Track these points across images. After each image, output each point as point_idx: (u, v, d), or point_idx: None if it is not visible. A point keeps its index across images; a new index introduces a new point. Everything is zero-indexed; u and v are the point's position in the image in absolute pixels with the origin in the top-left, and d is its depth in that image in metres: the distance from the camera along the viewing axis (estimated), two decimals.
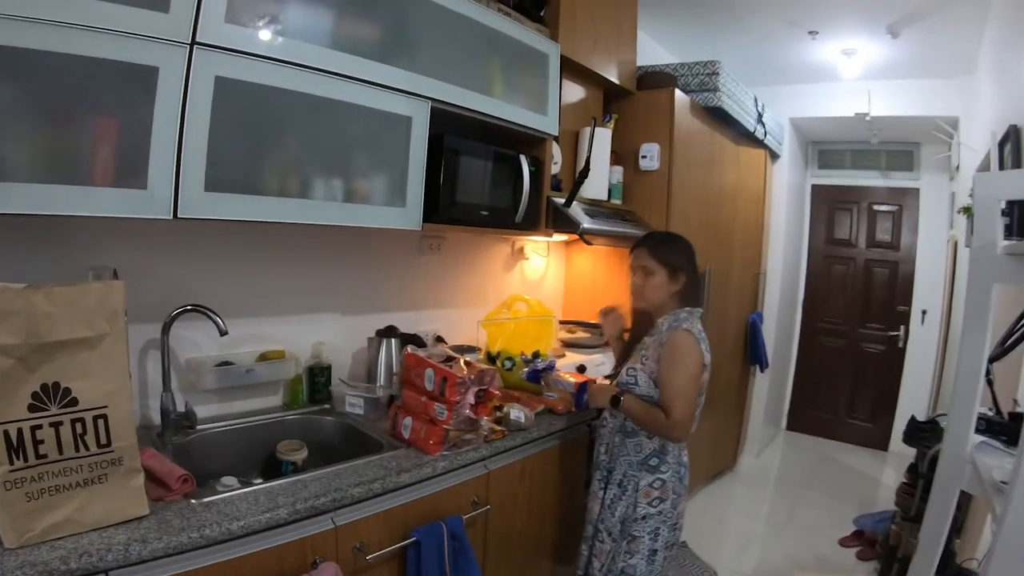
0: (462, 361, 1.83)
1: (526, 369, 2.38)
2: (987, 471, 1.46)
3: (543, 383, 2.34)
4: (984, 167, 2.91)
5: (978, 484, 1.54)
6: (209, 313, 1.72)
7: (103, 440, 1.23)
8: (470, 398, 1.75)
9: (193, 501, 1.36)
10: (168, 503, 1.34)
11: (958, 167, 4.08)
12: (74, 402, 1.20)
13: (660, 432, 1.86)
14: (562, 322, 3.25)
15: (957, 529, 2.43)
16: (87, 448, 1.22)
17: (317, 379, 2.18)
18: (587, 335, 3.13)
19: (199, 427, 1.83)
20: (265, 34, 1.56)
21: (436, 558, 1.63)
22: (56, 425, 1.18)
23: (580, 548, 2.07)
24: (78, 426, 1.20)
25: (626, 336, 2.30)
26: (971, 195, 2.86)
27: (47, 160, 1.30)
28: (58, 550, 1.13)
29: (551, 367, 2.39)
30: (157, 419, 1.80)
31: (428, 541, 1.62)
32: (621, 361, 2.08)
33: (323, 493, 1.45)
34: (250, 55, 1.52)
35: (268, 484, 1.48)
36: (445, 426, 1.74)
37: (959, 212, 3.34)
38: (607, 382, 2.13)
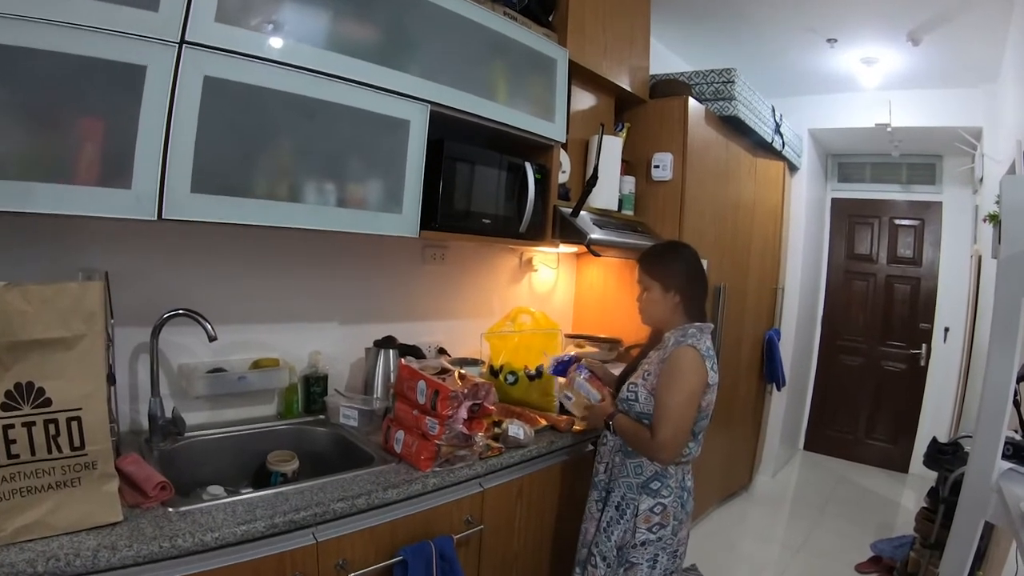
0: (456, 374, 1.78)
1: (552, 363, 2.20)
2: (1015, 501, 1.36)
3: (568, 378, 2.14)
4: None
5: (1004, 515, 1.44)
6: (198, 318, 1.68)
7: (76, 443, 1.21)
8: (463, 413, 1.69)
9: (170, 510, 1.32)
10: (144, 510, 1.31)
11: (981, 179, 3.96)
12: (48, 403, 1.18)
13: (646, 453, 1.79)
14: (571, 336, 3.18)
15: (979, 558, 2.31)
16: (60, 450, 1.19)
17: (313, 389, 2.13)
18: (596, 349, 3.05)
19: (188, 434, 1.80)
20: (257, 34, 1.53)
21: None
22: (29, 425, 1.16)
23: (573, 570, 1.98)
24: (51, 427, 1.18)
25: (634, 352, 2.18)
26: (997, 201, 2.75)
27: (29, 157, 1.28)
28: (26, 552, 1.10)
29: (577, 359, 2.18)
30: (147, 424, 1.76)
31: (415, 561, 1.56)
32: (625, 377, 1.99)
33: (304, 507, 1.39)
34: (241, 55, 1.50)
35: (248, 495, 1.43)
36: (437, 441, 1.68)
37: (985, 220, 3.22)
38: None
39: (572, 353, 2.21)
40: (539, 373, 2.40)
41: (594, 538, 1.88)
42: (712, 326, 1.89)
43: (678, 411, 1.72)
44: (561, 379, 2.19)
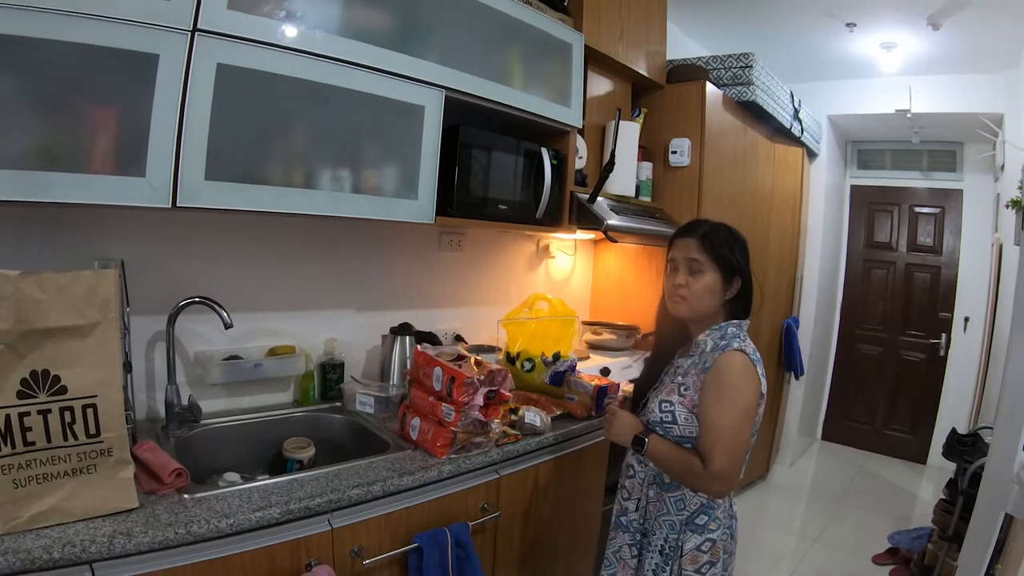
0: (473, 360, 1.77)
1: (549, 372, 2.28)
2: None
3: (565, 385, 2.25)
4: None
5: None
6: (214, 306, 1.68)
7: (92, 430, 1.21)
8: (479, 399, 1.67)
9: (186, 496, 1.32)
10: (160, 497, 1.31)
11: (1003, 166, 3.88)
12: (63, 390, 1.18)
13: (695, 485, 1.49)
14: (588, 323, 3.17)
15: (998, 551, 2.28)
16: (76, 437, 1.20)
17: (329, 376, 2.13)
18: (613, 337, 3.04)
19: (204, 421, 1.80)
20: (269, 20, 1.52)
21: (439, 566, 1.56)
22: (44, 413, 1.17)
23: None
24: (67, 415, 1.19)
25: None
26: (1020, 187, 2.69)
27: (45, 148, 1.29)
28: (43, 539, 1.11)
29: (573, 367, 2.30)
30: (163, 412, 1.77)
31: (431, 548, 1.55)
32: (645, 386, 1.71)
33: (319, 493, 1.39)
34: (253, 42, 1.48)
35: (263, 482, 1.44)
36: (453, 428, 1.66)
37: (1007, 206, 3.16)
38: (627, 395, 1.87)
39: (567, 361, 2.24)
40: (556, 359, 2.39)
41: None
42: (748, 322, 1.59)
43: (734, 433, 1.42)
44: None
